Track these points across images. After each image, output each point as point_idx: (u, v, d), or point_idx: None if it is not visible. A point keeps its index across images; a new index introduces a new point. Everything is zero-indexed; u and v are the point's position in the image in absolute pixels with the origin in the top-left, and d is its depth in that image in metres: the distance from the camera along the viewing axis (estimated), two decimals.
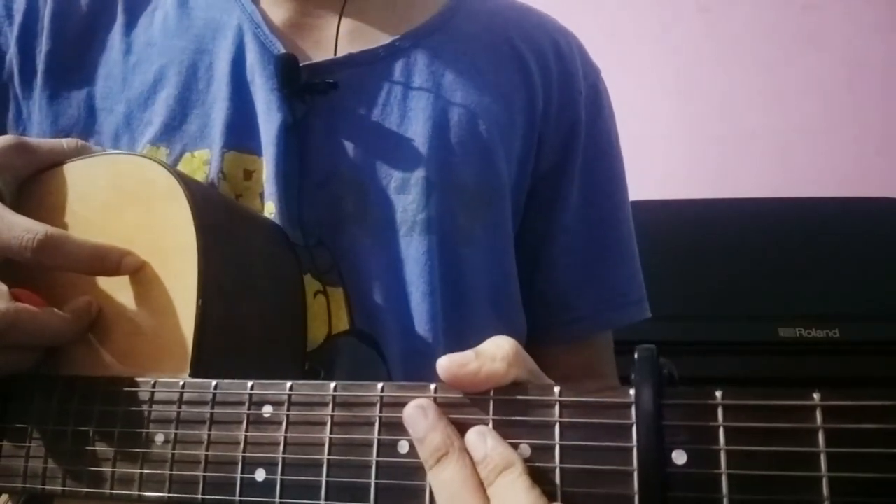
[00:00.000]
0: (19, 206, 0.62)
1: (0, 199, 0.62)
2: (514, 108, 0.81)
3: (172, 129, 0.76)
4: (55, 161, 0.68)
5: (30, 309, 0.58)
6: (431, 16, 0.83)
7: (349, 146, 0.76)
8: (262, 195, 0.74)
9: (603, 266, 0.86)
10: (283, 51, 0.76)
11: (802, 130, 2.12)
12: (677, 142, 2.12)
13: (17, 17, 0.80)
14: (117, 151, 0.72)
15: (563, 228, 0.84)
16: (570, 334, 0.85)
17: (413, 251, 0.74)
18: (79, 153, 0.69)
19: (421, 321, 0.73)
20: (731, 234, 1.74)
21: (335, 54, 0.78)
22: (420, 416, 0.47)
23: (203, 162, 0.74)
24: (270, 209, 0.73)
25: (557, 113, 0.84)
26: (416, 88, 0.79)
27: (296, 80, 0.74)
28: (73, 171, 0.67)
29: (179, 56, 0.78)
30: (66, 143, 0.69)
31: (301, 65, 0.75)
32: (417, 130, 0.77)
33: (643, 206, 1.69)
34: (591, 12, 2.15)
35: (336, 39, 0.78)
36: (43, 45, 0.79)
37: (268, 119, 0.74)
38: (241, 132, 0.75)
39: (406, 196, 0.75)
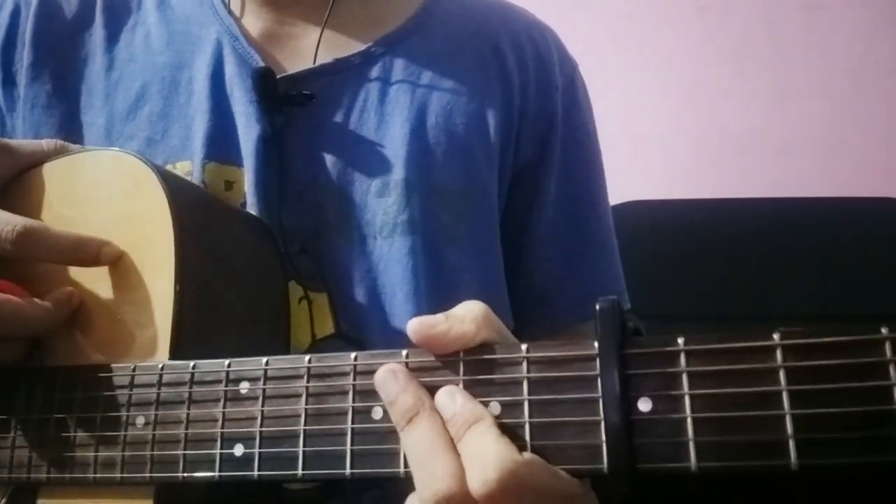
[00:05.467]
0: (1, 206, 0.63)
1: None
2: (491, 105, 0.82)
3: (155, 142, 0.77)
4: (36, 161, 0.68)
5: (11, 299, 0.58)
6: (406, 19, 0.84)
7: (327, 155, 0.77)
8: (243, 205, 0.75)
9: (582, 258, 0.86)
10: (260, 63, 0.77)
11: (802, 130, 2.11)
12: (677, 142, 2.12)
13: (0, 33, 0.82)
14: (95, 148, 0.73)
15: (542, 221, 0.84)
16: (549, 327, 0.84)
17: (395, 252, 0.75)
18: (58, 153, 0.69)
19: (406, 321, 0.73)
20: (731, 234, 1.73)
21: (314, 64, 0.79)
22: (391, 380, 0.47)
23: (184, 173, 0.74)
24: None
25: (535, 107, 0.84)
26: (393, 93, 0.79)
27: (273, 92, 0.75)
28: (53, 170, 0.68)
29: (161, 72, 0.79)
30: (45, 143, 0.70)
31: (278, 76, 0.76)
32: (395, 134, 0.78)
33: (643, 206, 1.70)
34: (591, 12, 2.16)
35: (316, 50, 0.79)
36: (25, 59, 0.80)
37: (247, 131, 0.75)
38: (221, 144, 0.76)
39: (386, 199, 0.75)
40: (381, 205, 0.75)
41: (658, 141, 2.11)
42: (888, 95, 2.12)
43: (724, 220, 1.76)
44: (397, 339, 0.72)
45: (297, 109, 0.76)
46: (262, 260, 0.71)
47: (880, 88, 2.12)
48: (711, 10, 2.21)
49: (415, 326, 0.48)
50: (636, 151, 1.94)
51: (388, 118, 0.78)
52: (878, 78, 2.13)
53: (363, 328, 0.74)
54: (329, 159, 0.76)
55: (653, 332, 0.44)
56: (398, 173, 0.76)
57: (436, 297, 0.75)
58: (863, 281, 1.62)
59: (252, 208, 0.74)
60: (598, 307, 0.43)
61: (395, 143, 0.77)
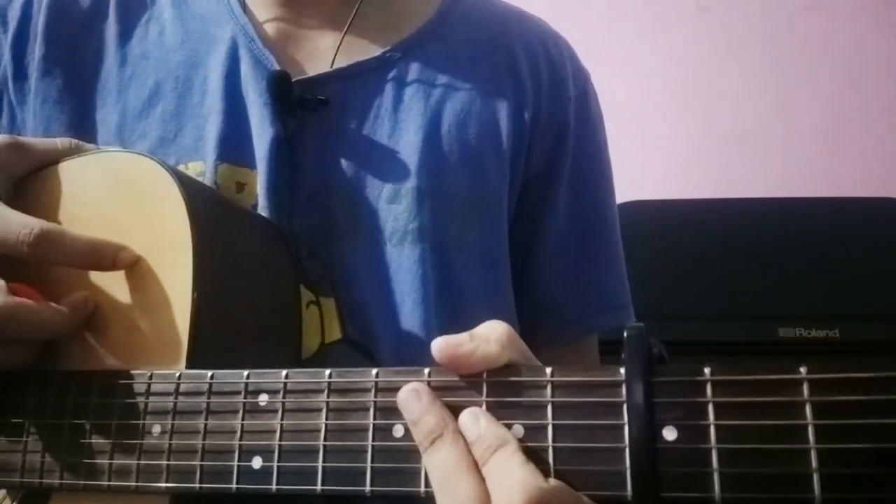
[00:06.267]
0: (15, 205, 0.62)
1: None
2: (504, 114, 0.81)
3: (167, 141, 0.76)
4: (50, 160, 0.68)
5: (27, 303, 0.58)
6: (422, 24, 0.84)
7: (340, 159, 0.76)
8: (254, 207, 0.74)
9: (590, 269, 0.86)
10: (276, 65, 0.76)
11: (802, 130, 2.12)
12: (677, 142, 2.12)
13: (12, 24, 0.81)
14: (111, 149, 0.72)
15: (551, 231, 0.84)
16: (556, 337, 0.84)
17: (405, 260, 0.74)
18: (73, 152, 0.69)
19: (414, 329, 0.73)
20: (731, 234, 1.73)
21: (331, 67, 0.78)
22: (414, 399, 0.47)
23: (196, 174, 0.74)
24: None
25: (547, 117, 0.84)
26: (407, 99, 0.79)
27: (288, 96, 0.75)
28: (68, 170, 0.67)
29: (175, 71, 0.79)
30: (60, 142, 0.69)
31: (294, 80, 0.75)
32: (408, 141, 0.77)
33: (643, 206, 1.70)
34: (591, 12, 2.16)
35: (335, 54, 0.79)
36: (36, 52, 0.79)
37: (261, 133, 0.75)
38: (234, 145, 0.75)
39: (397, 206, 0.75)
40: (392, 211, 0.75)
41: (658, 141, 2.12)
42: (888, 95, 2.13)
43: (724, 220, 1.76)
44: (404, 346, 0.73)
45: (311, 113, 0.76)
46: (276, 264, 0.71)
47: (880, 88, 2.13)
48: (711, 10, 2.21)
49: (440, 345, 0.47)
50: (636, 151, 1.94)
51: (402, 125, 0.78)
52: (878, 78, 2.13)
53: (370, 334, 0.74)
54: (341, 163, 0.76)
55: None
56: (410, 181, 0.76)
57: (444, 304, 0.75)
58: (863, 281, 1.62)
59: (263, 211, 0.73)
60: (625, 334, 0.43)
61: (408, 150, 0.77)
